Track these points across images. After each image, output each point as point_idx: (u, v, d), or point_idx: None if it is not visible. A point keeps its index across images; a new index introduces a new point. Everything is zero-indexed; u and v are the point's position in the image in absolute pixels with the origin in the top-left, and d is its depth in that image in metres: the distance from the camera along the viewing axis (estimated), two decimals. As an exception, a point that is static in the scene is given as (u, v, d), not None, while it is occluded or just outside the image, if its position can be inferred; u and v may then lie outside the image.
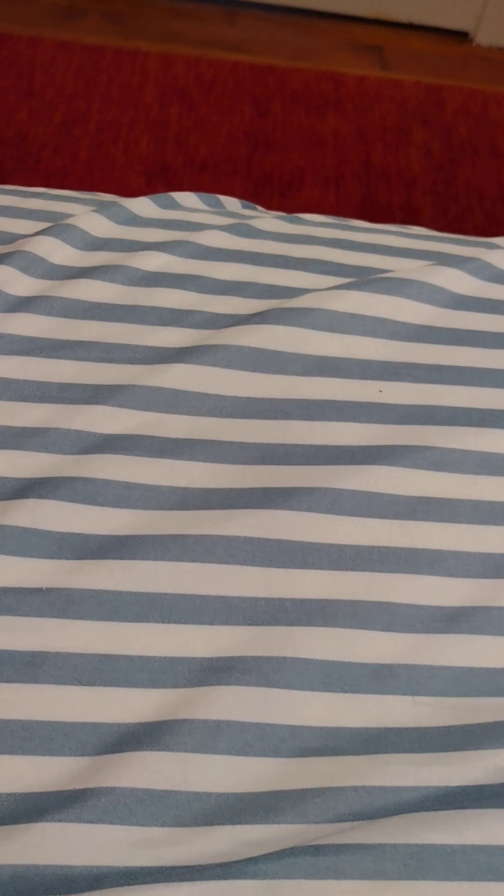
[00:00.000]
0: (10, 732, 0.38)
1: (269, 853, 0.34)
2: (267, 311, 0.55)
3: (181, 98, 1.55)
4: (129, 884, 0.33)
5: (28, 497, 0.45)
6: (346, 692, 0.40)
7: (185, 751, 0.37)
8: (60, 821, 0.35)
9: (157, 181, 1.40)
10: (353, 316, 0.55)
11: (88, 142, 1.44)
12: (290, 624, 0.42)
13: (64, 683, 0.39)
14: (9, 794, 0.36)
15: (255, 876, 0.33)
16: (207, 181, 1.41)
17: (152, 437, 0.48)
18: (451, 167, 1.49)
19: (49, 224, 0.60)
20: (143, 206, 0.63)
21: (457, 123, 1.57)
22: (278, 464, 0.48)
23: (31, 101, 1.50)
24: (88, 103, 1.51)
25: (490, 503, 0.47)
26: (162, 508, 0.46)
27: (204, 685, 0.39)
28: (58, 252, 0.57)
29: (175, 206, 0.66)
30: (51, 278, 0.56)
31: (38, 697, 0.39)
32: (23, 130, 1.45)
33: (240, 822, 0.36)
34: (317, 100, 1.58)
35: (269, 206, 1.37)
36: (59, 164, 1.40)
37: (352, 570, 0.44)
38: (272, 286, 0.58)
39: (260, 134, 1.50)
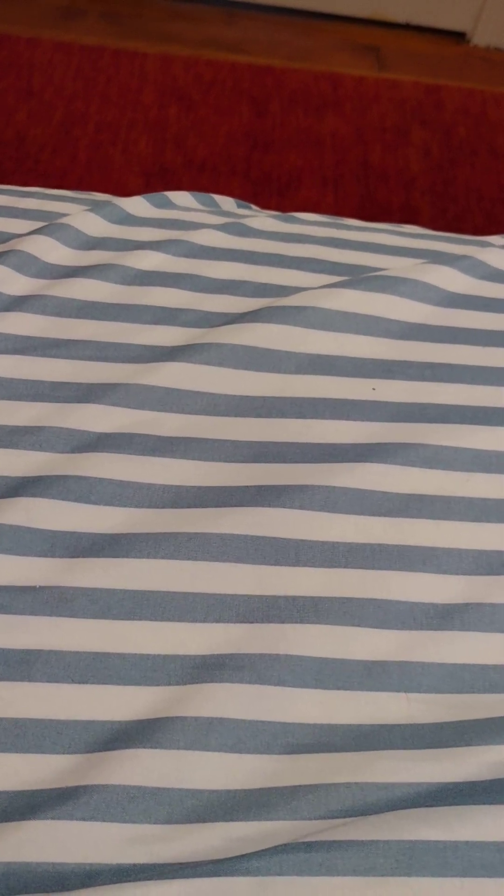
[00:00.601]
0: (3, 730, 0.38)
1: (262, 850, 0.34)
2: (260, 309, 0.55)
3: (180, 99, 1.55)
4: (121, 881, 0.33)
5: (22, 495, 0.45)
6: (339, 689, 0.40)
7: (178, 748, 0.37)
8: (53, 818, 0.35)
9: (156, 182, 1.40)
10: (346, 314, 0.55)
11: (87, 143, 1.44)
12: (283, 621, 0.42)
13: (57, 681, 0.39)
14: (1, 792, 0.36)
15: (247, 873, 0.33)
16: (206, 182, 1.41)
17: (146, 436, 0.49)
18: (449, 167, 1.49)
19: (44, 223, 0.60)
20: (137, 205, 0.63)
21: (455, 124, 1.57)
22: (272, 462, 0.48)
23: (29, 102, 1.50)
24: (87, 104, 1.51)
25: (483, 500, 0.47)
26: (155, 507, 0.46)
27: (197, 682, 0.40)
28: (52, 251, 0.58)
29: (169, 205, 0.66)
30: (45, 277, 0.56)
31: (31, 695, 0.39)
32: (22, 131, 1.45)
33: (232, 819, 0.36)
34: (315, 100, 1.58)
35: (268, 207, 1.37)
36: (58, 164, 1.40)
37: (345, 567, 0.44)
38: (266, 285, 0.58)
39: (258, 134, 1.50)
